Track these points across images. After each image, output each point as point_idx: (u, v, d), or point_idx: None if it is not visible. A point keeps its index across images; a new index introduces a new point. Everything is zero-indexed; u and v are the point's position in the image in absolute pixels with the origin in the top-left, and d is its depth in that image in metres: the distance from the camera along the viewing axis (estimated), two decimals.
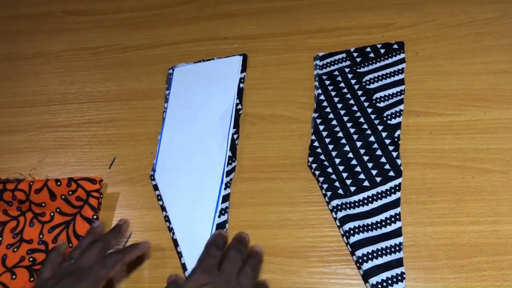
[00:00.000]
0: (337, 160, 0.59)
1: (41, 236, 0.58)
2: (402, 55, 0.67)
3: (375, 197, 0.56)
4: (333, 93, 0.65)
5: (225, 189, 0.59)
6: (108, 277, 0.48)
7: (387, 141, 0.59)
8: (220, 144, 0.62)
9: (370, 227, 0.53)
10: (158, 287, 0.54)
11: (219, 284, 0.44)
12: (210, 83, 0.69)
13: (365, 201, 0.55)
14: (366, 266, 0.51)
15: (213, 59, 0.72)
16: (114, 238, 0.53)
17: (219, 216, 0.57)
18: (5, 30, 0.84)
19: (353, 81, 0.65)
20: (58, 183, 0.59)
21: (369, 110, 0.62)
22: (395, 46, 0.68)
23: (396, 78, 0.65)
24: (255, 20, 0.76)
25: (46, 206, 0.60)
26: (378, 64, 0.66)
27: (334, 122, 0.62)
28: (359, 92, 0.64)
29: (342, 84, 0.66)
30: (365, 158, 0.59)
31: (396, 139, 0.59)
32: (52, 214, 0.59)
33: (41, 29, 0.83)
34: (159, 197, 0.61)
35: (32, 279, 0.55)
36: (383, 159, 0.58)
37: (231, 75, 0.69)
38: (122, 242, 0.57)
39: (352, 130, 0.61)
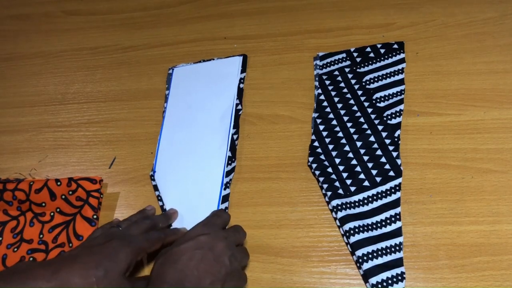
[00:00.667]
0: (337, 160, 0.59)
1: (41, 236, 0.58)
2: (402, 55, 0.67)
3: (375, 197, 0.56)
4: (333, 93, 0.65)
5: (224, 189, 0.59)
6: (149, 251, 0.51)
7: (387, 141, 0.59)
8: (220, 145, 0.62)
9: (370, 227, 0.53)
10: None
11: (217, 237, 0.47)
12: (209, 83, 0.69)
13: (365, 201, 0.55)
14: (366, 266, 0.51)
15: (213, 59, 0.72)
16: (161, 221, 0.56)
17: None
18: (5, 30, 0.84)
19: (353, 81, 0.65)
20: (58, 183, 0.59)
21: (369, 110, 0.62)
22: (395, 46, 0.68)
23: (396, 78, 0.65)
24: (255, 20, 0.76)
25: (46, 206, 0.60)
26: (378, 64, 0.66)
27: (334, 122, 0.62)
28: (359, 92, 0.64)
29: (342, 84, 0.66)
30: (365, 158, 0.59)
31: (396, 139, 0.59)
32: (52, 214, 0.59)
33: (41, 29, 0.83)
34: (159, 198, 0.61)
35: None
36: (383, 159, 0.58)
37: (231, 75, 0.69)
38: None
39: (352, 130, 0.61)
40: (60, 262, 0.45)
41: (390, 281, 0.49)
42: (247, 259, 0.50)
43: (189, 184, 0.61)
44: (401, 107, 0.62)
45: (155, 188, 0.61)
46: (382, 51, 0.68)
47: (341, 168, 0.58)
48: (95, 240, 0.49)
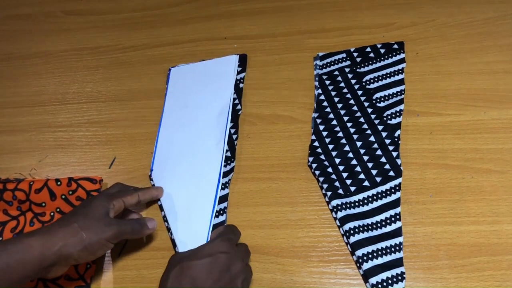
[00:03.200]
0: (337, 160, 0.59)
1: None
2: (402, 55, 0.67)
3: (375, 197, 0.56)
4: (333, 93, 0.65)
5: (223, 189, 0.59)
6: (126, 203, 0.53)
7: (387, 141, 0.59)
8: (217, 143, 0.62)
9: (370, 227, 0.53)
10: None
11: (236, 258, 0.46)
12: (206, 83, 0.69)
13: (365, 201, 0.55)
14: (366, 266, 0.51)
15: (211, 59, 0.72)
16: (140, 190, 0.57)
17: (217, 216, 0.57)
18: (5, 30, 0.84)
19: (353, 81, 0.65)
20: (58, 183, 0.59)
21: (369, 110, 0.62)
22: (395, 46, 0.68)
23: (396, 78, 0.65)
24: (255, 20, 0.76)
25: (46, 206, 0.60)
26: (378, 64, 0.66)
27: (334, 122, 0.62)
28: (359, 92, 0.64)
29: (342, 84, 0.66)
30: (365, 158, 0.58)
31: (396, 139, 0.59)
32: (52, 214, 0.59)
33: (41, 29, 0.83)
34: None
35: None
36: (383, 159, 0.58)
37: (227, 74, 0.69)
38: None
39: (352, 130, 0.61)
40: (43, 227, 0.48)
41: (390, 281, 0.49)
42: (251, 277, 0.51)
43: (187, 183, 0.61)
44: (401, 107, 0.62)
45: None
46: (382, 51, 0.68)
47: (341, 168, 0.58)
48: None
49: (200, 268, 0.44)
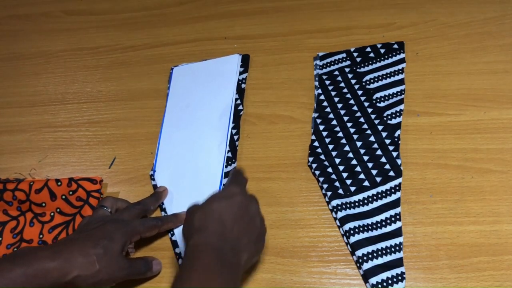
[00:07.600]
0: (337, 160, 0.59)
1: (41, 236, 0.58)
2: (402, 55, 0.67)
3: (375, 197, 0.56)
4: (333, 93, 0.65)
5: None
6: (144, 236, 0.53)
7: (387, 141, 0.59)
8: (219, 143, 0.62)
9: (370, 227, 0.53)
10: (158, 287, 0.54)
11: (251, 199, 0.48)
12: (208, 82, 0.69)
13: (365, 201, 0.55)
14: (366, 266, 0.51)
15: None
16: (152, 204, 0.58)
17: None
18: (5, 30, 0.84)
19: (353, 81, 0.65)
20: (59, 183, 0.59)
21: (369, 110, 0.62)
22: (395, 46, 0.68)
23: (396, 78, 0.65)
24: (255, 20, 0.76)
25: (46, 206, 0.60)
26: (378, 64, 0.66)
27: (334, 122, 0.62)
28: (359, 92, 0.64)
29: (342, 84, 0.66)
30: (365, 158, 0.59)
31: (396, 139, 0.59)
32: (52, 214, 0.59)
33: (41, 29, 0.83)
34: None
35: None
36: (383, 159, 0.58)
37: (229, 73, 0.69)
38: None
39: (352, 130, 0.61)
40: (60, 244, 0.48)
41: (390, 281, 0.49)
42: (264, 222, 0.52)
43: (188, 184, 0.61)
44: (401, 107, 0.62)
45: (155, 187, 0.61)
46: (382, 51, 0.68)
47: (341, 168, 0.58)
48: (90, 225, 0.51)
49: (222, 208, 0.46)
